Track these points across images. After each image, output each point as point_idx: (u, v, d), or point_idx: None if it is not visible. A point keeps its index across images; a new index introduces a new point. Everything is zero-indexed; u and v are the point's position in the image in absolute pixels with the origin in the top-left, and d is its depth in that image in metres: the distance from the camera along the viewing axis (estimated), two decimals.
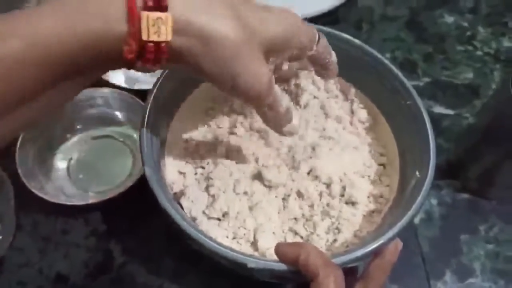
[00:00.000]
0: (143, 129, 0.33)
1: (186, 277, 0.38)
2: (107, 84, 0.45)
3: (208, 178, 0.35)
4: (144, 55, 0.23)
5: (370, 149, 0.39)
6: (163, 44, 0.23)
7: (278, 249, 0.28)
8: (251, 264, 0.28)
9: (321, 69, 0.34)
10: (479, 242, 0.41)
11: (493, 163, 0.41)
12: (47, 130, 0.43)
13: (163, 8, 0.23)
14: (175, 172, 0.36)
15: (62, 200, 0.39)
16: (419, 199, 0.32)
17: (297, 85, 0.41)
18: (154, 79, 0.35)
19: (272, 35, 0.27)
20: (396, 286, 0.39)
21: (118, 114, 0.45)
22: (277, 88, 0.29)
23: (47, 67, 0.22)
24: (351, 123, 0.40)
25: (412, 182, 0.34)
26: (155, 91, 0.35)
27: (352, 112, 0.41)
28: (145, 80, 0.48)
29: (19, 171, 0.38)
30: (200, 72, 0.26)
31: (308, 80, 0.41)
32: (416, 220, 0.42)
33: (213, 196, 0.34)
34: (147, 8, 0.22)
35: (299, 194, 0.35)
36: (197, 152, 0.37)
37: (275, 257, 0.28)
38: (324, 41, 0.32)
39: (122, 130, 0.45)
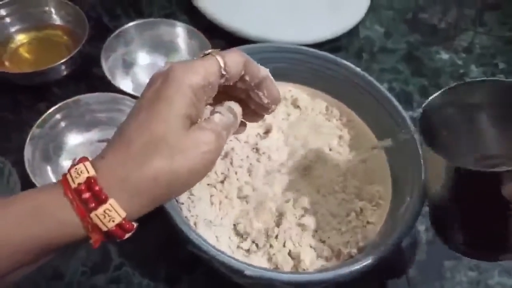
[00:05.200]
0: None
1: (180, 283, 0.39)
2: (116, 89, 0.46)
3: (212, 186, 0.37)
4: (112, 237, 0.25)
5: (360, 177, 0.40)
6: (123, 222, 0.25)
7: None
8: (248, 271, 0.30)
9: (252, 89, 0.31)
10: (462, 269, 0.43)
11: None
12: (55, 128, 0.44)
13: (104, 201, 0.24)
14: None
15: None
16: (408, 223, 0.34)
17: None
18: None
19: (176, 120, 0.26)
20: None
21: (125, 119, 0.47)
22: (215, 121, 0.28)
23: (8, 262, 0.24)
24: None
25: (403, 206, 0.36)
26: None
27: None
28: None
29: (26, 165, 0.39)
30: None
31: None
32: (404, 244, 0.44)
33: (214, 203, 0.36)
34: (92, 209, 0.24)
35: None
36: None
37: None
38: (235, 62, 0.29)
39: None
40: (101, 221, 0.24)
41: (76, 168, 0.25)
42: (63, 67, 0.49)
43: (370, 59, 0.60)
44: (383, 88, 0.41)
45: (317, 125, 0.44)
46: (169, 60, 0.54)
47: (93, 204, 0.24)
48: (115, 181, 0.25)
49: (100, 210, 0.24)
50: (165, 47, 0.53)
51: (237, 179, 0.38)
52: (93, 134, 0.46)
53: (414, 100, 0.56)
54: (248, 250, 0.36)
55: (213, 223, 0.36)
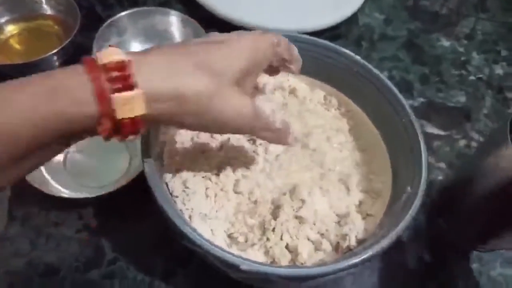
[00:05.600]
0: None
1: (175, 278, 0.38)
2: None
3: (207, 179, 0.36)
4: (120, 130, 0.24)
5: (363, 169, 0.39)
6: (138, 118, 0.24)
7: None
8: (244, 266, 0.29)
9: (285, 64, 0.33)
10: (463, 261, 0.42)
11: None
12: None
13: (131, 87, 0.23)
14: (173, 172, 0.36)
15: (57, 192, 0.39)
16: (410, 213, 0.33)
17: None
18: None
19: (237, 69, 0.28)
20: None
21: None
22: (264, 109, 0.30)
23: (16, 145, 0.23)
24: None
25: (403, 197, 0.35)
26: None
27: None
28: None
29: None
30: (182, 126, 0.28)
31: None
32: (404, 236, 0.43)
33: (210, 196, 0.35)
34: (116, 90, 0.23)
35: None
36: (197, 153, 0.38)
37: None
38: (283, 41, 0.32)
39: None
40: (120, 106, 0.23)
41: (107, 51, 0.24)
42: (55, 57, 0.47)
43: (370, 47, 0.58)
44: (382, 76, 0.40)
45: (316, 116, 0.43)
46: None
47: (120, 86, 0.23)
48: (149, 78, 0.24)
49: (125, 94, 0.23)
50: (159, 37, 0.52)
51: (233, 171, 0.37)
52: None
53: (415, 88, 0.55)
54: (244, 244, 0.35)
55: (208, 216, 0.35)
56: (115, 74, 0.23)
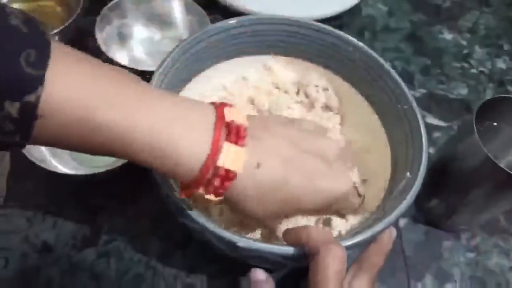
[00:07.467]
0: None
1: (171, 258, 0.38)
2: (112, 62, 0.45)
3: None
4: (212, 181, 0.26)
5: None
6: (234, 172, 0.26)
7: (285, 233, 0.30)
8: (241, 243, 0.29)
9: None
10: (460, 250, 0.42)
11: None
12: None
13: (241, 146, 0.26)
14: None
15: (56, 169, 0.39)
16: (408, 198, 0.33)
17: None
18: (158, 62, 0.36)
19: (308, 208, 0.30)
20: (378, 285, 0.39)
21: None
22: None
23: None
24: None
25: (402, 183, 0.35)
26: (159, 72, 0.35)
27: None
28: (150, 62, 0.49)
29: None
30: (244, 212, 0.29)
31: None
32: (402, 224, 0.43)
33: None
34: (230, 140, 0.26)
35: None
36: None
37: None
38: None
39: None
40: (226, 154, 0.25)
41: (234, 110, 0.27)
42: (56, 38, 0.47)
43: (372, 38, 0.58)
44: (384, 61, 0.40)
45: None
46: (165, 34, 0.52)
47: (234, 139, 0.26)
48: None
49: (234, 148, 0.26)
50: (161, 20, 0.52)
51: None
52: None
53: (416, 79, 0.55)
54: (243, 228, 0.35)
55: None
56: (234, 130, 0.26)
